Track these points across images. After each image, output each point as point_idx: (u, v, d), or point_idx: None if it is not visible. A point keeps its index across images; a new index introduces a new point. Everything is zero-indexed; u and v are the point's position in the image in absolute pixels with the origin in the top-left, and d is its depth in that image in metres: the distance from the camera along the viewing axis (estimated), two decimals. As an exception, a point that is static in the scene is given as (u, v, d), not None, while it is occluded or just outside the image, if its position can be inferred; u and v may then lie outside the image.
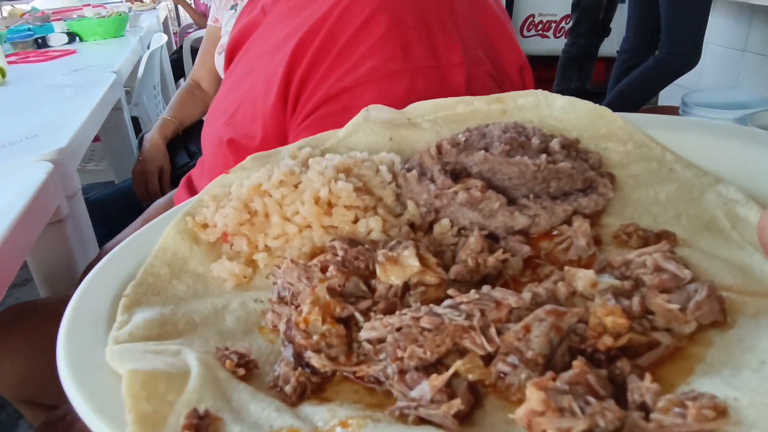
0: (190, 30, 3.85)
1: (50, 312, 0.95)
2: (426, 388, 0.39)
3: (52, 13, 3.21)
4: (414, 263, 0.48)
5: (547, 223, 0.57)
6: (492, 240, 0.56)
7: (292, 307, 0.49)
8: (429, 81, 0.82)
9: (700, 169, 0.61)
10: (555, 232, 0.57)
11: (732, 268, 0.49)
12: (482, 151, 0.58)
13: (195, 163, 1.27)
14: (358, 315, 0.46)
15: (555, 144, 0.60)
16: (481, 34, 0.87)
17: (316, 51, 0.82)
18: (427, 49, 0.81)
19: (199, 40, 2.81)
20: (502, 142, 0.59)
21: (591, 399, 0.35)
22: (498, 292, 0.45)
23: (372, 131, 0.70)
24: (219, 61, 1.72)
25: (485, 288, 0.46)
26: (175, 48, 3.70)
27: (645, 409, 0.36)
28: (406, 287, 0.49)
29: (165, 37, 3.04)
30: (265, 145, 0.80)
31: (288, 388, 0.42)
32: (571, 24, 3.86)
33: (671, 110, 2.91)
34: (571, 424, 0.33)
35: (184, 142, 1.82)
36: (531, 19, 4.80)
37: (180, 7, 4.40)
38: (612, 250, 0.55)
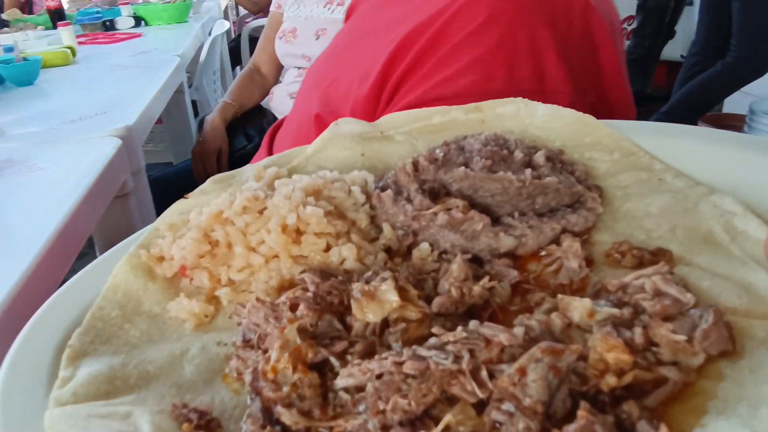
0: (249, 19, 3.83)
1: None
2: (412, 447, 0.34)
3: (119, -3, 3.41)
4: (393, 298, 0.43)
5: (534, 244, 0.53)
6: (476, 264, 0.52)
7: (259, 351, 0.44)
8: None
9: (691, 179, 0.58)
10: (543, 253, 0.53)
11: (735, 286, 0.45)
12: (462, 168, 0.54)
13: (252, 147, 1.23)
14: (333, 360, 0.41)
15: (539, 157, 0.56)
16: (591, 66, 0.81)
17: (422, 49, 0.77)
18: (534, 71, 0.76)
19: (257, 29, 2.89)
20: (483, 156, 0.55)
21: (601, 458, 0.31)
22: (487, 329, 0.41)
23: (343, 146, 0.65)
24: (279, 47, 1.78)
25: (473, 324, 0.42)
26: (233, 36, 3.72)
27: (661, 464, 0.32)
28: (386, 324, 0.44)
29: (227, 24, 3.13)
30: None
31: (256, 452, 0.37)
32: (635, 25, 3.79)
33: (737, 118, 2.86)
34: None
35: (243, 126, 1.86)
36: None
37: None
38: (605, 270, 0.51)
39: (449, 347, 0.39)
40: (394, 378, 0.38)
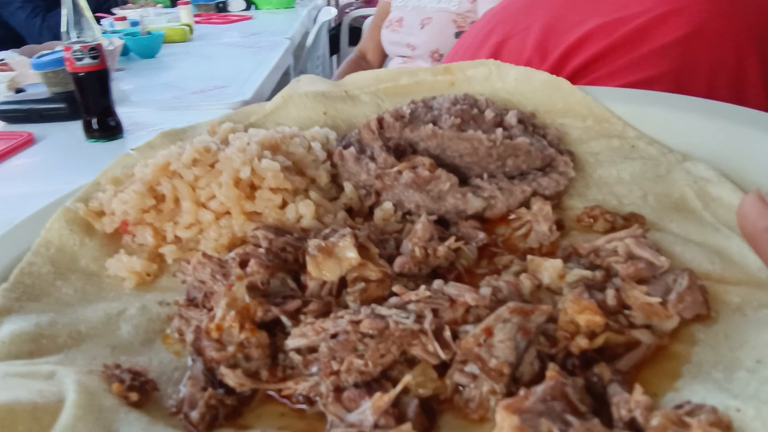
0: (350, 9, 3.76)
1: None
2: (368, 409, 0.31)
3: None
4: (352, 255, 0.40)
5: (503, 206, 0.50)
6: (442, 226, 0.49)
7: (204, 310, 0.40)
8: None
9: (665, 146, 0.56)
10: (512, 217, 0.50)
11: (708, 252, 0.44)
12: (430, 125, 0.51)
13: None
14: (284, 318, 0.38)
15: (511, 117, 0.53)
16: None
17: (616, 43, 0.73)
18: (733, 98, 0.69)
19: (358, 19, 2.98)
20: (452, 114, 0.52)
21: (571, 418, 0.28)
22: (452, 288, 0.38)
23: (304, 105, 0.61)
24: (385, 35, 1.84)
25: (437, 283, 0.39)
26: (333, 25, 3.64)
27: (635, 427, 0.29)
28: (343, 283, 0.41)
29: (334, 11, 3.15)
30: None
31: (194, 415, 0.33)
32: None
33: None
34: (551, 456, 0.26)
35: None
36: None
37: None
38: (575, 235, 0.49)
39: (411, 306, 0.36)
40: (350, 337, 0.34)
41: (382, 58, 2.02)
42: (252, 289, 0.39)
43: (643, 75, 0.72)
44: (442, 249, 0.43)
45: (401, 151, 0.52)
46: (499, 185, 0.50)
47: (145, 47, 1.92)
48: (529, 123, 0.57)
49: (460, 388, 0.34)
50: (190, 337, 0.37)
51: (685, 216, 0.49)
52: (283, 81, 2.32)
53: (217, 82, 1.59)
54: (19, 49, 1.83)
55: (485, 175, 0.51)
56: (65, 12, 1.12)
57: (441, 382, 0.34)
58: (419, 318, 0.35)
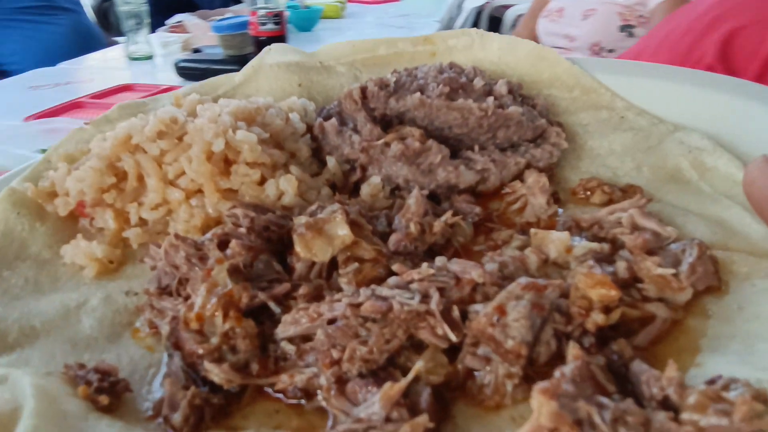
0: None
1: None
2: (377, 402, 0.28)
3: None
4: (344, 232, 0.36)
5: (497, 179, 0.47)
6: (433, 202, 0.46)
7: (180, 299, 0.35)
8: None
9: (654, 116, 0.54)
10: (506, 190, 0.48)
11: (709, 222, 0.42)
12: (417, 94, 0.47)
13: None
14: (272, 305, 0.34)
15: (501, 86, 0.50)
16: None
17: None
18: None
19: (498, 8, 2.84)
20: (440, 83, 0.49)
21: (604, 400, 0.26)
22: (456, 265, 0.35)
23: (276, 76, 0.57)
24: (543, 25, 1.78)
25: (440, 260, 0.36)
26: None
27: (669, 406, 0.27)
28: (333, 265, 0.38)
29: None
30: None
31: (177, 418, 0.29)
32: None
33: None
34: (591, 442, 0.24)
35: None
36: None
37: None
38: (572, 208, 0.47)
39: (414, 286, 0.33)
40: (350, 322, 0.31)
41: None
42: (234, 272, 0.35)
43: None
44: (438, 224, 0.40)
45: (386, 123, 0.48)
46: (492, 157, 0.47)
47: (304, 20, 1.94)
48: (517, 93, 0.54)
49: (473, 373, 0.31)
50: (165, 329, 0.33)
51: (681, 187, 0.47)
52: (433, 63, 2.42)
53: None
54: (194, 13, 1.96)
55: (476, 147, 0.48)
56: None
57: (452, 367, 0.31)
58: (425, 298, 0.32)
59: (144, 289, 0.37)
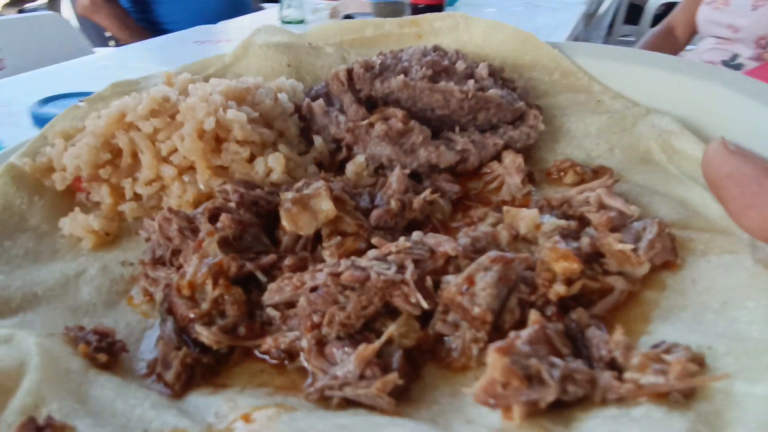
0: None
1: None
2: (352, 361, 0.31)
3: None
4: (328, 207, 0.38)
5: (476, 160, 0.50)
6: (414, 180, 0.48)
7: (173, 269, 0.38)
8: None
9: (629, 100, 0.57)
10: (485, 170, 0.50)
11: (673, 202, 0.45)
12: (402, 76, 0.49)
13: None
14: (259, 274, 0.36)
15: (482, 69, 0.52)
16: None
17: None
18: None
19: None
20: (424, 65, 0.51)
21: (556, 360, 0.29)
22: (432, 239, 0.37)
23: (266, 55, 0.58)
24: (705, 12, 1.67)
25: (416, 234, 0.38)
26: None
27: (615, 366, 0.30)
28: (318, 239, 0.40)
29: None
30: None
31: (169, 375, 0.32)
32: None
33: None
34: (540, 395, 0.27)
35: None
36: None
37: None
38: (546, 188, 0.49)
39: (391, 257, 0.35)
40: (330, 290, 0.33)
41: (690, 36, 1.88)
42: (224, 244, 0.37)
43: None
44: (417, 201, 0.43)
45: (372, 104, 0.50)
46: (471, 138, 0.50)
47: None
48: (498, 76, 0.56)
49: (443, 337, 0.34)
50: (159, 296, 0.35)
51: (650, 168, 0.50)
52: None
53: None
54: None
55: (457, 129, 0.50)
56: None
57: (424, 332, 0.34)
58: (400, 269, 0.35)
59: (139, 260, 0.40)
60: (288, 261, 0.37)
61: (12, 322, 0.34)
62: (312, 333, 0.32)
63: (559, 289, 0.35)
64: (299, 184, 0.42)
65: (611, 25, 3.26)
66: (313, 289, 0.34)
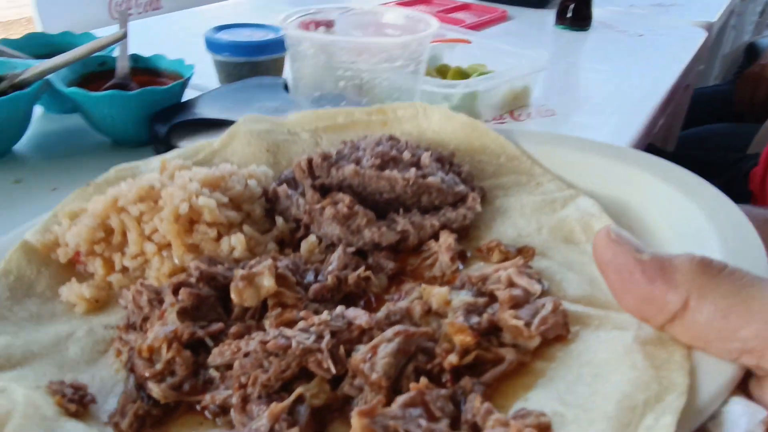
0: None
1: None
2: (265, 416, 0.38)
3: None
4: (268, 283, 0.46)
5: (415, 239, 0.57)
6: (360, 256, 0.56)
7: (142, 333, 0.46)
8: None
9: (564, 183, 0.63)
10: (424, 248, 0.57)
11: (583, 280, 0.51)
12: (352, 165, 0.58)
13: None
14: (208, 340, 0.44)
15: (426, 158, 0.61)
16: None
17: None
18: None
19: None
20: (373, 155, 0.59)
21: (422, 422, 0.35)
22: (351, 312, 0.45)
23: (248, 141, 0.68)
24: None
25: (339, 308, 0.46)
26: None
27: (476, 428, 0.36)
28: (265, 308, 0.48)
29: None
30: None
31: (124, 424, 0.39)
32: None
33: None
34: (396, 451, 0.33)
35: None
36: None
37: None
38: (477, 263, 0.56)
39: (313, 328, 0.43)
40: (258, 356, 0.41)
41: None
42: (182, 313, 0.45)
43: None
44: (352, 277, 0.50)
45: (327, 188, 0.59)
46: (411, 220, 0.57)
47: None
48: (447, 161, 0.64)
49: (350, 399, 0.41)
50: (125, 357, 0.43)
51: (571, 248, 0.56)
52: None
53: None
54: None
55: (401, 210, 0.58)
56: None
57: (333, 394, 0.41)
58: (318, 338, 0.42)
59: (117, 325, 0.48)
60: (233, 329, 0.45)
61: (10, 375, 0.43)
62: (239, 392, 0.40)
63: (452, 359, 0.42)
64: (253, 261, 0.50)
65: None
66: (246, 354, 0.42)
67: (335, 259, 0.52)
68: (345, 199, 0.56)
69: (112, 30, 1.08)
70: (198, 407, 0.41)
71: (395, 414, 0.35)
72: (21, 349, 0.46)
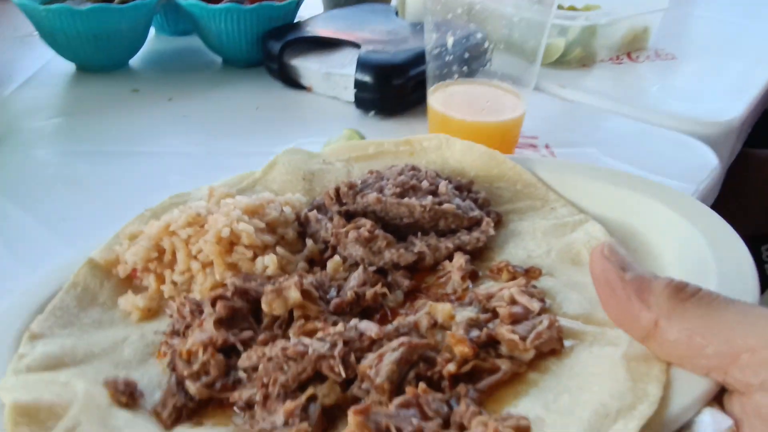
0: None
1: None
2: (281, 412, 0.43)
3: None
4: (294, 296, 0.53)
5: (431, 260, 0.62)
6: (381, 275, 0.61)
7: (183, 339, 0.53)
8: None
9: (575, 208, 0.67)
10: (439, 268, 0.62)
11: (583, 299, 0.55)
12: (375, 194, 0.64)
13: None
14: (238, 345, 0.51)
15: (443, 186, 0.66)
16: None
17: None
18: None
19: None
20: (395, 185, 0.65)
21: (414, 421, 0.40)
22: (364, 324, 0.50)
23: (286, 170, 0.75)
24: None
25: (354, 321, 0.51)
26: None
27: (462, 428, 0.41)
28: (292, 319, 0.54)
29: None
30: None
31: (164, 413, 0.46)
32: None
33: None
34: (385, 443, 0.38)
35: None
36: None
37: None
38: (487, 282, 0.60)
39: (328, 338, 0.49)
40: (279, 360, 0.47)
41: None
42: (218, 323, 0.52)
43: None
44: (369, 293, 0.56)
45: (353, 214, 0.65)
46: (428, 242, 0.62)
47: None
48: (465, 188, 0.69)
49: (357, 399, 0.46)
50: (168, 358, 0.50)
51: (577, 269, 0.59)
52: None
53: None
54: None
55: (419, 234, 0.63)
56: None
57: (343, 395, 0.46)
58: (332, 346, 0.47)
59: (163, 332, 0.55)
60: (261, 337, 0.51)
61: (73, 371, 0.50)
62: (261, 390, 0.46)
63: (450, 367, 0.46)
64: (281, 279, 0.56)
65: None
66: (269, 359, 0.48)
67: (356, 276, 0.58)
68: (367, 224, 0.62)
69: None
70: (228, 403, 0.48)
71: (389, 413, 0.40)
72: (83, 350, 0.53)
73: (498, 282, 0.59)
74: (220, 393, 0.48)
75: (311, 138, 0.83)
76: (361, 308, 0.56)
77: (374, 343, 0.49)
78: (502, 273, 0.59)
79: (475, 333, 0.49)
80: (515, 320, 0.51)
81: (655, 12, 1.18)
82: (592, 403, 0.41)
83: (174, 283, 0.61)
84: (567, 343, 0.49)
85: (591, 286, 0.56)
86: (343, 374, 0.46)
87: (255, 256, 0.61)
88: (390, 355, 0.46)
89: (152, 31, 1.21)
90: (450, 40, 0.87)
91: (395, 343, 0.47)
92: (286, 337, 0.53)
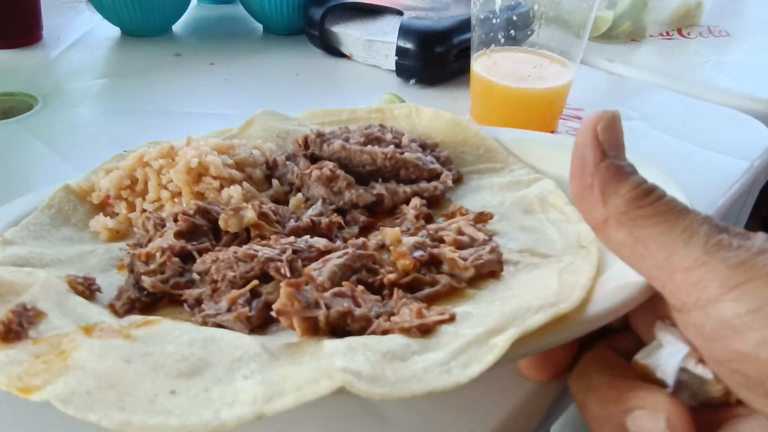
0: None
1: None
2: (226, 300, 0.46)
3: None
4: (250, 215, 0.56)
5: (389, 202, 0.65)
6: (340, 213, 0.64)
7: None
8: None
9: (533, 169, 0.71)
10: (397, 211, 0.66)
11: (529, 236, 0.58)
12: (340, 141, 0.68)
13: None
14: (195, 254, 0.54)
15: (405, 139, 0.70)
16: None
17: None
18: None
19: None
20: (361, 135, 0.69)
21: (344, 301, 0.43)
22: (314, 239, 0.53)
23: (263, 128, 0.79)
24: None
25: (305, 236, 0.54)
26: None
27: (392, 315, 0.43)
28: (249, 239, 0.57)
29: None
30: None
31: (118, 304, 0.49)
32: None
33: None
34: (314, 314, 0.41)
35: None
36: None
37: None
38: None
39: (278, 246, 0.51)
40: (229, 261, 0.50)
41: None
42: (177, 234, 0.55)
43: None
44: (325, 221, 0.59)
45: (318, 159, 0.69)
46: (387, 186, 0.66)
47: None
48: (429, 148, 0.73)
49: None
50: (128, 260, 0.53)
51: (527, 216, 0.63)
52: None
53: None
54: None
55: (380, 180, 0.67)
56: None
57: (284, 294, 0.49)
58: (282, 252, 0.50)
59: (127, 243, 0.58)
60: (217, 248, 0.54)
61: (39, 270, 0.53)
62: (211, 285, 0.49)
63: (391, 276, 0.49)
64: (241, 205, 0.60)
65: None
66: (222, 261, 0.51)
67: (314, 208, 0.61)
68: (329, 164, 0.65)
69: None
70: (179, 301, 0.50)
71: (322, 294, 0.43)
72: (50, 257, 0.56)
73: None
74: (172, 289, 0.50)
75: (349, 105, 0.86)
76: (316, 235, 0.59)
77: (322, 255, 0.52)
78: (455, 215, 0.63)
79: (419, 253, 0.52)
80: (459, 246, 0.54)
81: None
82: (517, 302, 0.44)
83: (144, 211, 0.64)
84: (509, 268, 0.52)
85: (540, 229, 0.59)
86: (289, 275, 0.49)
87: (221, 188, 0.64)
88: (335, 261, 0.49)
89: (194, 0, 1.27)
90: (498, 3, 0.88)
91: (340, 252, 0.50)
92: (242, 254, 0.55)
